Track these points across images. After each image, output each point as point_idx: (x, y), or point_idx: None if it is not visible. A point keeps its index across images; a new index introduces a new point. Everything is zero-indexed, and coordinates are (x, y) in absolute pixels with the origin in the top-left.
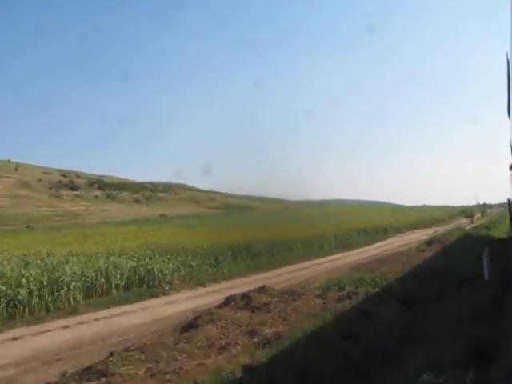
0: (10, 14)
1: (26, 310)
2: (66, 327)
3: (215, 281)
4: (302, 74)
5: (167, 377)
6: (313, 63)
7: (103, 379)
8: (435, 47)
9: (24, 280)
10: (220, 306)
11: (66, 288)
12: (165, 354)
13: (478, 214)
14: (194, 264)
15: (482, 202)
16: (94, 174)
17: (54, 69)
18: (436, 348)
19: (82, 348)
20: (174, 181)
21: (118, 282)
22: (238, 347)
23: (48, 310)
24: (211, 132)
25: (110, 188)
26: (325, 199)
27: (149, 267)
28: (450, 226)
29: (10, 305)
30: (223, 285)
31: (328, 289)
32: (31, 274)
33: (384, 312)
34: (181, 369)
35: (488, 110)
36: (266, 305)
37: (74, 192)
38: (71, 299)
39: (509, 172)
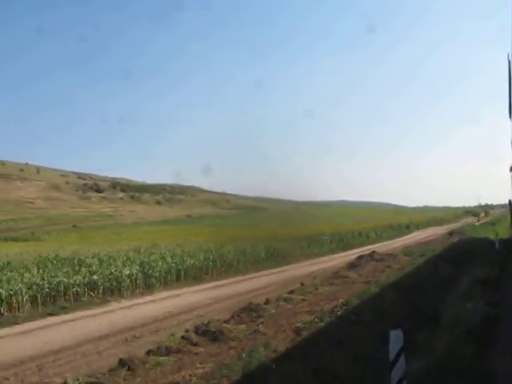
0: (10, 14)
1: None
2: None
3: (308, 258)
4: (302, 73)
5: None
6: (313, 63)
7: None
8: (435, 47)
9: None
10: (359, 259)
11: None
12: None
13: (482, 214)
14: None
15: (483, 203)
16: (106, 176)
17: (54, 69)
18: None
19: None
20: (184, 183)
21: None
22: (379, 274)
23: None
24: (211, 132)
25: (131, 190)
26: (327, 200)
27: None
28: (459, 224)
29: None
30: (316, 260)
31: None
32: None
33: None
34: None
35: (488, 109)
36: (380, 260)
37: (100, 194)
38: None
39: (510, 173)
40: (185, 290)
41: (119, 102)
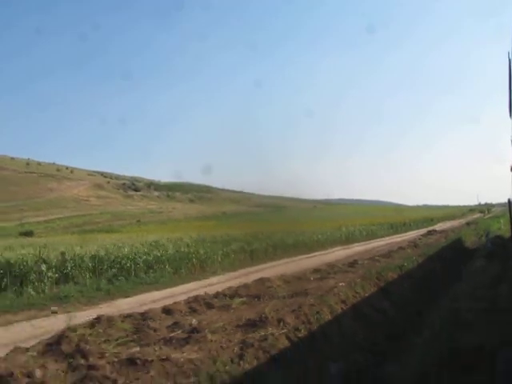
0: (10, 14)
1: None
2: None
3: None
4: (302, 73)
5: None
6: (313, 63)
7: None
8: (436, 46)
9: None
10: (429, 234)
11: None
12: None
13: (486, 211)
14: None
15: (483, 202)
16: (125, 176)
17: (54, 69)
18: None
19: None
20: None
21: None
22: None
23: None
24: (211, 132)
25: (163, 189)
26: (327, 199)
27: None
28: (469, 218)
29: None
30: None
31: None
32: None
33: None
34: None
35: (488, 108)
36: (440, 232)
37: (138, 193)
38: None
39: (510, 173)
40: (274, 262)
41: (119, 101)
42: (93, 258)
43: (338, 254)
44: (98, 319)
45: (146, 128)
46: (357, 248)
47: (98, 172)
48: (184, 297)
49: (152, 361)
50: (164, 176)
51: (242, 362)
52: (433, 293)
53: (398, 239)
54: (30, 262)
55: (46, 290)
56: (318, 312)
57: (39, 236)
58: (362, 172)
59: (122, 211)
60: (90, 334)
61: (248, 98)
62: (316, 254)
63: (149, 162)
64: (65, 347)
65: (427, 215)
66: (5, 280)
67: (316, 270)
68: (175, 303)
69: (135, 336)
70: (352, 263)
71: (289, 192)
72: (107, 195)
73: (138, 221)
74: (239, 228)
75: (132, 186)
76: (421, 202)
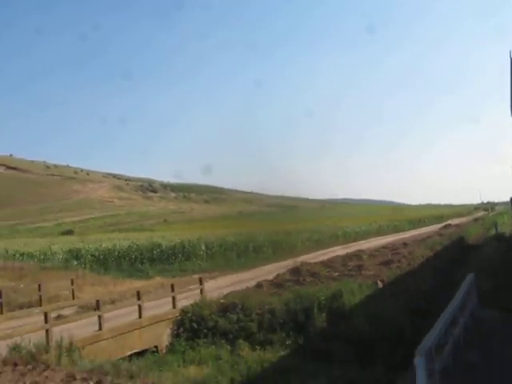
0: (10, 14)
1: None
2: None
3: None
4: (302, 73)
5: None
6: (313, 63)
7: None
8: (436, 46)
9: None
10: (445, 228)
11: None
12: None
13: (490, 210)
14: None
15: (485, 201)
16: (140, 177)
17: (54, 69)
18: None
19: None
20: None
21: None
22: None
23: None
24: (211, 132)
25: (178, 190)
26: (333, 198)
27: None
28: (476, 216)
29: None
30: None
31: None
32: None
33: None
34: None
35: (489, 108)
36: (456, 226)
37: (156, 194)
38: None
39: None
40: (336, 247)
41: (119, 101)
42: (199, 243)
43: (377, 242)
44: (303, 263)
45: (146, 128)
46: (390, 239)
47: (110, 174)
48: (321, 258)
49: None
50: (163, 176)
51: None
52: (464, 255)
53: (421, 232)
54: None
55: (201, 262)
56: (413, 259)
57: (80, 235)
58: (362, 172)
59: (145, 211)
60: (310, 268)
61: (248, 98)
62: (362, 242)
63: (149, 162)
64: (301, 271)
65: (436, 213)
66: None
67: (384, 247)
68: (333, 257)
69: (327, 269)
70: (404, 244)
71: (289, 192)
72: (128, 196)
73: (165, 220)
74: (268, 225)
75: (149, 188)
76: (422, 202)
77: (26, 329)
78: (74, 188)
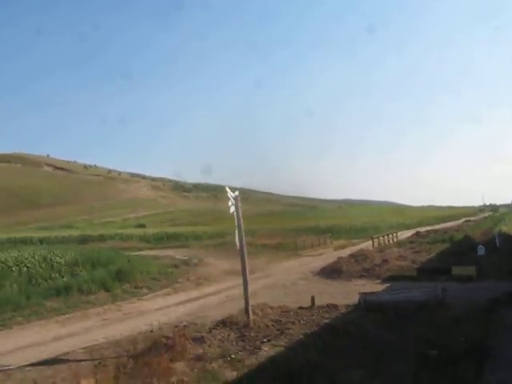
0: (10, 14)
1: None
2: None
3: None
4: (302, 73)
5: None
6: (313, 63)
7: None
8: (437, 47)
9: None
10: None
11: None
12: None
13: (495, 211)
14: None
15: (487, 203)
16: (164, 178)
17: (54, 69)
18: None
19: None
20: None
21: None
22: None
23: None
24: (211, 132)
25: (207, 190)
26: (347, 199)
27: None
28: (483, 216)
29: None
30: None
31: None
32: None
33: None
34: None
35: (491, 110)
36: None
37: (189, 193)
38: None
39: None
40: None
41: (119, 101)
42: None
43: (429, 228)
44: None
45: (146, 128)
46: (437, 227)
47: (134, 174)
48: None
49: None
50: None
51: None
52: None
53: (447, 225)
54: None
55: None
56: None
57: (152, 228)
58: (363, 172)
59: (190, 209)
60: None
61: (248, 98)
62: (403, 232)
63: (149, 162)
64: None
65: (449, 213)
66: None
67: (436, 230)
68: (427, 230)
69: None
70: (445, 231)
71: (291, 191)
72: (166, 195)
73: (215, 217)
74: (311, 221)
75: (182, 188)
76: (425, 203)
77: None
78: (121, 188)
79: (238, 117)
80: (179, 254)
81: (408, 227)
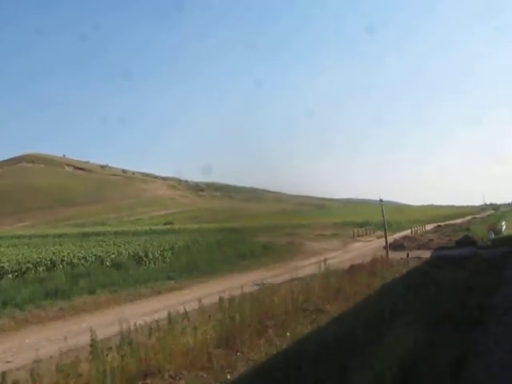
0: (10, 14)
1: None
2: None
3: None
4: (303, 73)
5: None
6: (314, 63)
7: None
8: (438, 47)
9: None
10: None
11: None
12: None
13: (496, 210)
14: None
15: (488, 202)
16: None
17: (54, 69)
18: None
19: None
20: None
21: None
22: None
23: None
24: (212, 132)
25: (220, 190)
26: (351, 198)
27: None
28: (486, 214)
29: None
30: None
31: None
32: None
33: None
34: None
35: (491, 110)
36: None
37: (203, 193)
38: None
39: None
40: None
41: (119, 101)
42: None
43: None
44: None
45: (146, 128)
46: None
47: (144, 173)
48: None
49: None
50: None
51: None
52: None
53: (458, 221)
54: None
55: None
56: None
57: (179, 225)
58: (363, 172)
59: (209, 207)
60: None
61: (248, 98)
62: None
63: (149, 162)
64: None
65: (455, 212)
66: None
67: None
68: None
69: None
70: (459, 225)
71: (294, 191)
72: (184, 194)
73: (234, 215)
74: (331, 218)
75: (196, 187)
76: (425, 203)
77: None
78: (142, 187)
79: (238, 117)
80: None
81: (423, 223)
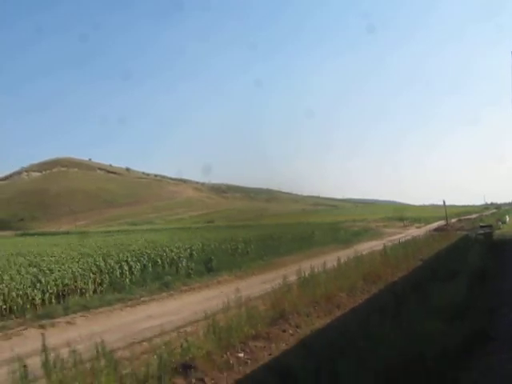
0: (11, 14)
1: None
2: None
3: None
4: (303, 73)
5: None
6: (314, 63)
7: None
8: (438, 47)
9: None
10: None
11: None
12: None
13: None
14: None
15: (489, 202)
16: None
17: (54, 68)
18: None
19: None
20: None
21: None
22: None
23: None
24: (212, 132)
25: (235, 190)
26: (360, 198)
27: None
28: (490, 212)
29: None
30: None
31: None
32: None
33: None
34: None
35: (491, 109)
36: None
37: (226, 194)
38: None
39: None
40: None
41: (119, 101)
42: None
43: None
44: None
45: (147, 128)
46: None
47: (160, 176)
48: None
49: None
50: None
51: None
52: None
53: (471, 217)
54: None
55: None
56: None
57: (220, 222)
58: (364, 172)
59: (236, 207)
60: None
61: (249, 98)
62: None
63: (150, 162)
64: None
65: (462, 211)
66: None
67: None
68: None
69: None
70: (474, 219)
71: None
72: (209, 196)
73: (261, 215)
74: (354, 216)
75: (219, 189)
76: (426, 202)
77: None
78: (171, 189)
79: (238, 116)
80: None
81: (440, 219)
